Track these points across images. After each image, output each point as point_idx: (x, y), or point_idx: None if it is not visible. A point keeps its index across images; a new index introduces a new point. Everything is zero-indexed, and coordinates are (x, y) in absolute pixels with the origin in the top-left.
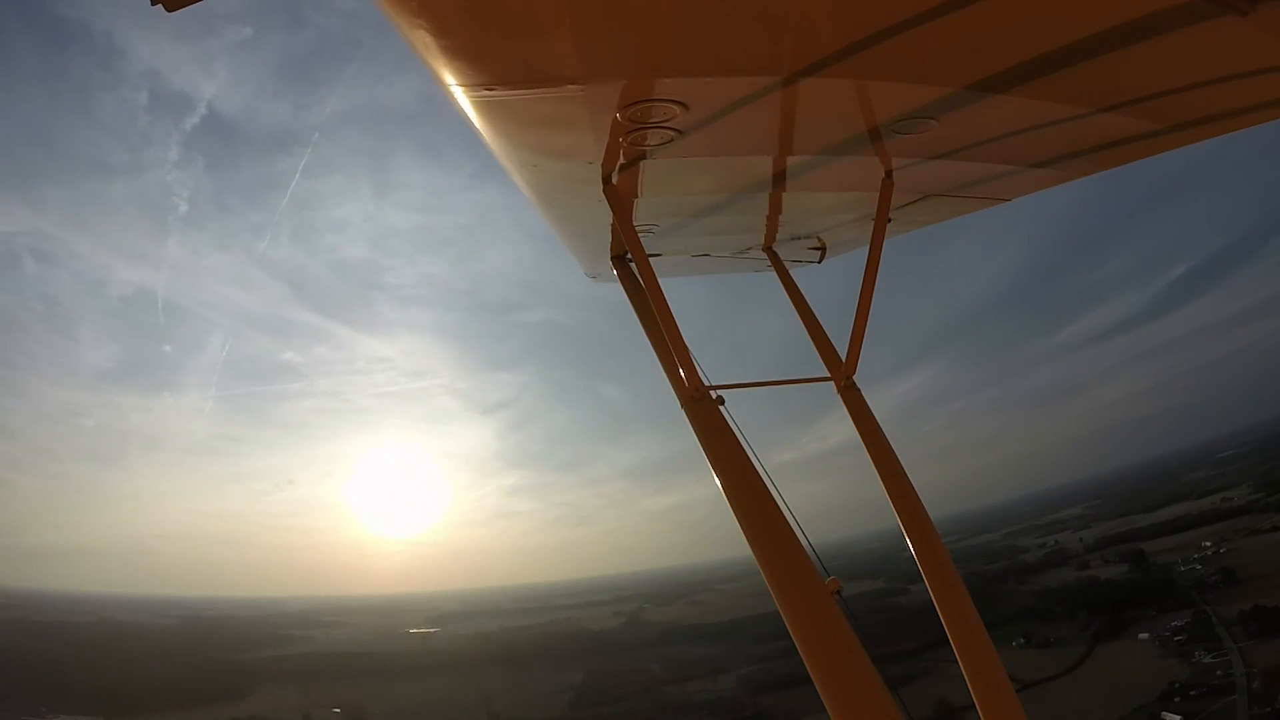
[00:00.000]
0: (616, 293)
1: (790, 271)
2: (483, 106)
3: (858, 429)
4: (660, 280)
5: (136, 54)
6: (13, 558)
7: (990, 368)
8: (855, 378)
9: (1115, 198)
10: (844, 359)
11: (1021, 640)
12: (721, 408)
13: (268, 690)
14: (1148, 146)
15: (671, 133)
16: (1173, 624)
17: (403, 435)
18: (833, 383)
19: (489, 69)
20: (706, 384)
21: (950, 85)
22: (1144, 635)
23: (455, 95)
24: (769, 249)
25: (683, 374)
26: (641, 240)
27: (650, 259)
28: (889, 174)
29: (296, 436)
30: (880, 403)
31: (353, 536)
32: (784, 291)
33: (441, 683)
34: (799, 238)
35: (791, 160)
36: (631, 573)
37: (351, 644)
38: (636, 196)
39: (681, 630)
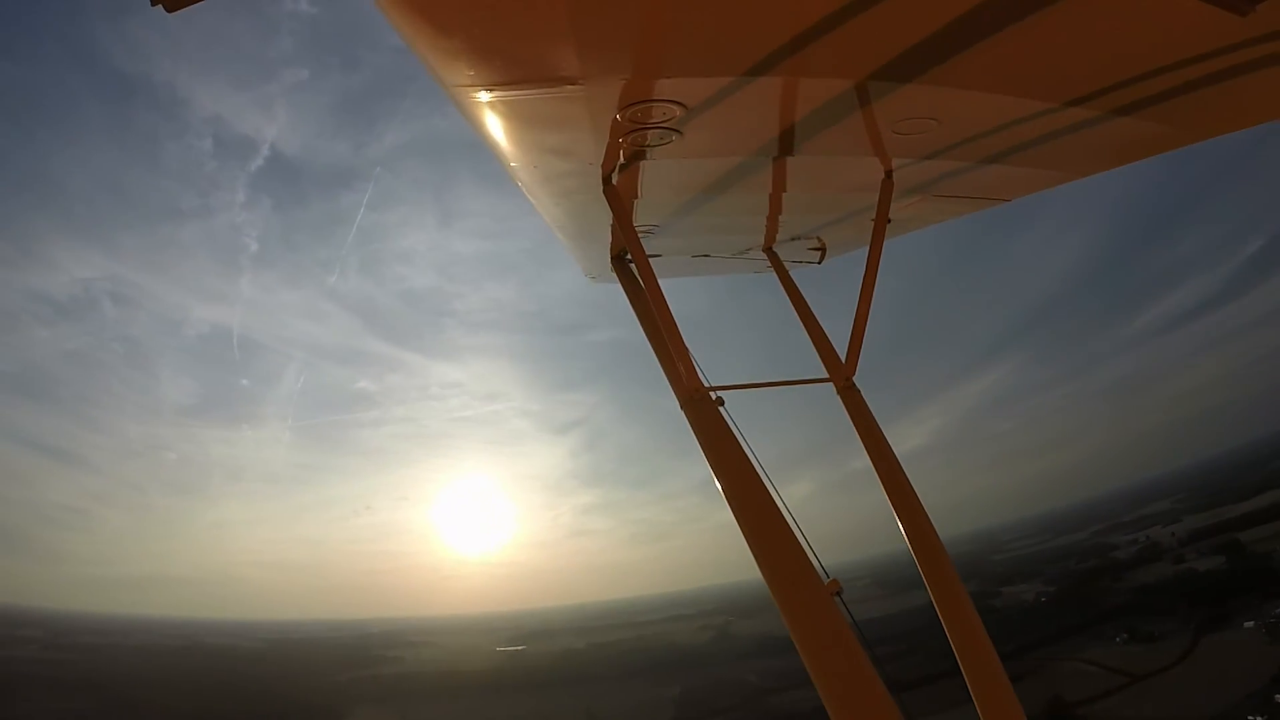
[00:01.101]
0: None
1: (790, 272)
2: (483, 106)
3: (857, 430)
4: (660, 280)
5: (198, 102)
6: (104, 586)
7: (1064, 361)
8: (855, 379)
9: (1181, 175)
10: (844, 360)
11: (1125, 636)
12: (721, 408)
13: (365, 711)
14: (1148, 146)
15: (671, 133)
16: (1277, 611)
17: (477, 458)
18: (832, 384)
19: (489, 69)
20: (706, 384)
21: (950, 85)
22: (1249, 624)
23: (455, 95)
24: (769, 249)
25: (683, 374)
26: (641, 240)
27: (650, 259)
28: (889, 174)
29: (373, 463)
30: (952, 406)
31: (431, 559)
32: (784, 292)
33: (538, 699)
34: (799, 238)
35: (791, 160)
36: (711, 586)
37: (440, 663)
38: (636, 197)
39: (774, 641)
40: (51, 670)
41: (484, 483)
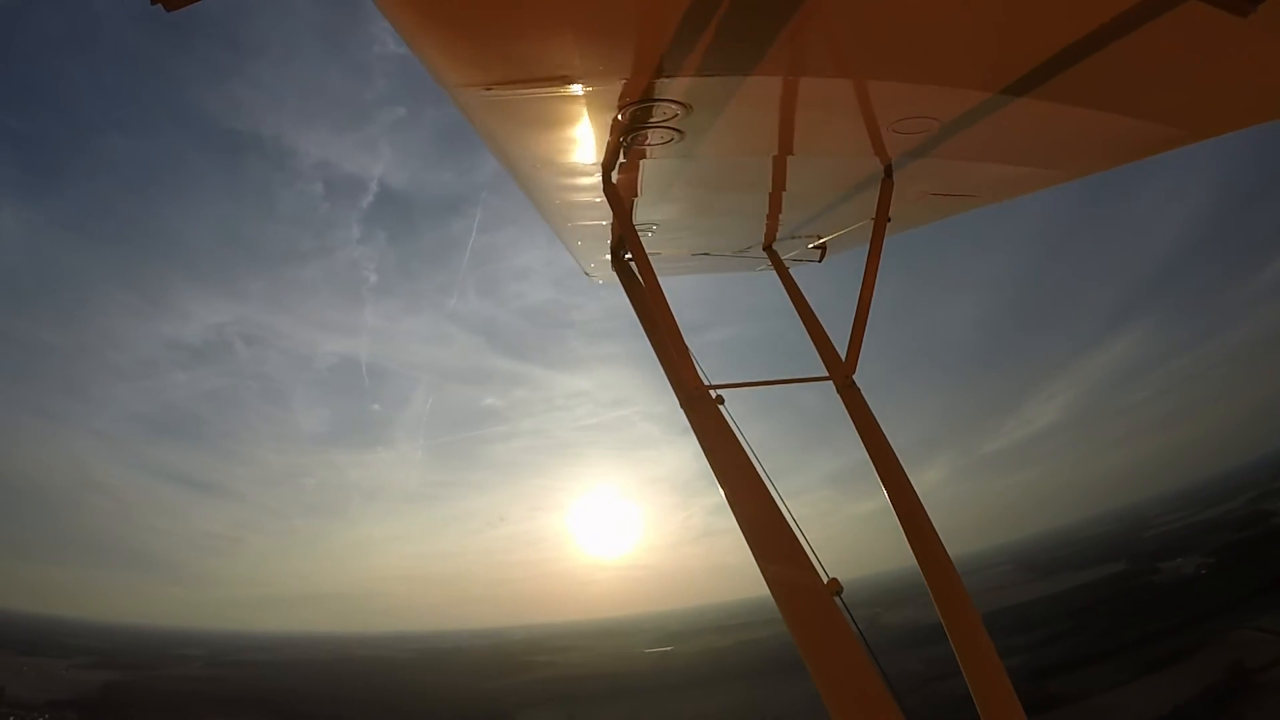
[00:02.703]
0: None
1: (790, 271)
2: (483, 106)
3: (857, 429)
4: (660, 280)
5: (305, 150)
6: (253, 605)
7: (1202, 318)
8: (855, 377)
9: None
10: (844, 358)
11: None
12: (721, 407)
13: (530, 714)
14: (1148, 146)
15: (672, 133)
16: None
17: (606, 464)
18: (832, 383)
19: (489, 69)
20: (706, 384)
21: (950, 85)
22: None
23: (455, 95)
24: (769, 249)
25: (683, 373)
26: (641, 240)
27: (650, 257)
28: (889, 174)
29: (505, 476)
30: (1079, 380)
31: (567, 565)
32: (784, 291)
33: (703, 698)
34: (799, 238)
35: (791, 160)
36: (848, 579)
37: (592, 666)
38: (637, 196)
39: (926, 629)
40: (216, 687)
41: (614, 488)
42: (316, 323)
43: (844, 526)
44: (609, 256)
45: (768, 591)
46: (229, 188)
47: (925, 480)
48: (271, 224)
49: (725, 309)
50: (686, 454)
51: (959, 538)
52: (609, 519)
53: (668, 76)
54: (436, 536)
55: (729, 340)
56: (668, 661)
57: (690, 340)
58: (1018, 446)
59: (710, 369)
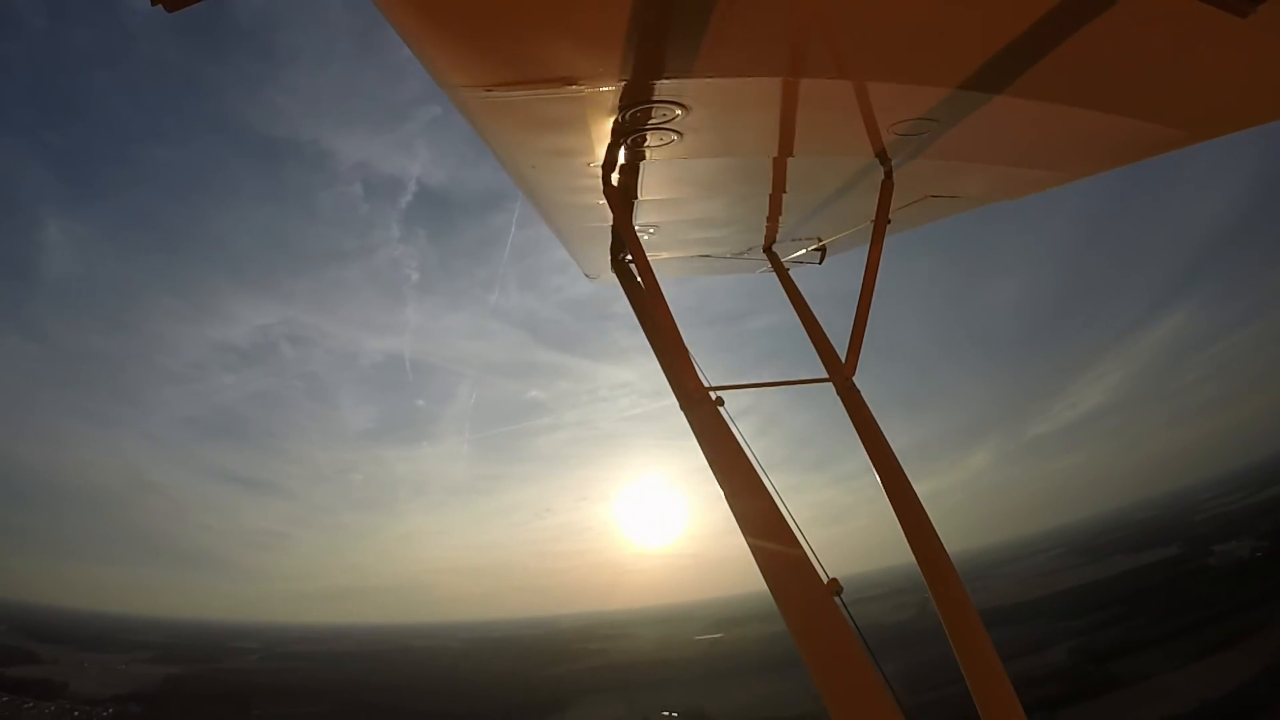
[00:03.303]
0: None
1: (790, 272)
2: (483, 106)
3: (857, 430)
4: (660, 281)
5: (343, 153)
6: (304, 599)
7: (1247, 298)
8: (855, 378)
9: None
10: (844, 360)
11: None
12: (721, 408)
13: (588, 701)
14: (1148, 146)
15: (672, 134)
16: None
17: (650, 454)
18: (832, 384)
19: (489, 69)
20: (706, 384)
21: (950, 85)
22: None
23: (455, 95)
24: (769, 249)
25: (683, 374)
26: (641, 241)
27: (650, 259)
28: (889, 174)
29: (550, 467)
30: (1130, 359)
31: (612, 554)
32: (784, 292)
33: (760, 684)
34: (799, 238)
35: (791, 161)
36: (894, 566)
37: (644, 654)
38: (636, 197)
39: (981, 614)
40: (275, 678)
41: (659, 477)
42: (360, 322)
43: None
44: (609, 258)
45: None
46: (270, 192)
47: (972, 465)
48: (313, 226)
49: (765, 297)
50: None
51: (1008, 522)
52: (654, 508)
53: (668, 78)
54: (483, 528)
55: (767, 329)
56: (719, 648)
57: (719, 332)
58: (1064, 429)
59: (748, 357)
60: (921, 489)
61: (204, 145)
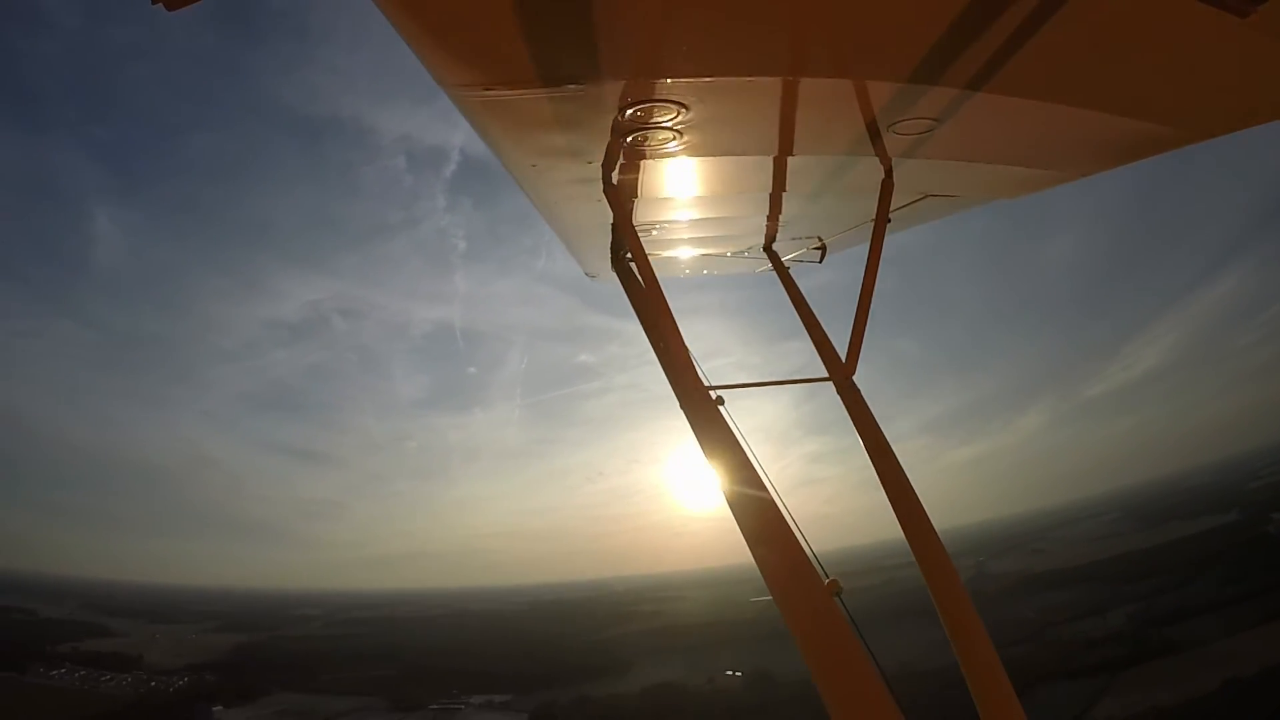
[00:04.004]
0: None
1: (790, 271)
2: (483, 106)
3: (857, 430)
4: (660, 280)
5: (385, 127)
6: (361, 566)
7: None
8: (855, 378)
9: None
10: (844, 359)
11: None
12: (721, 407)
13: (649, 661)
14: (1148, 146)
15: (672, 133)
16: None
17: None
18: (833, 383)
19: (489, 69)
20: (706, 384)
21: (950, 85)
22: None
23: (455, 95)
24: (769, 249)
25: (683, 373)
26: (641, 240)
27: (650, 258)
28: (889, 174)
29: (601, 431)
30: (1186, 320)
31: (663, 517)
32: (784, 291)
33: None
34: (799, 238)
35: (791, 160)
36: (947, 529)
37: (700, 615)
38: (637, 196)
39: (1037, 578)
40: (339, 644)
41: None
42: (410, 292)
43: (945, 474)
44: (609, 257)
45: (869, 541)
46: (312, 171)
47: (1024, 427)
48: (358, 201)
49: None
50: (782, 403)
51: (1061, 486)
52: (704, 471)
53: (668, 77)
54: (536, 493)
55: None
56: (774, 610)
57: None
58: (1118, 392)
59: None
60: (973, 452)
61: (245, 129)
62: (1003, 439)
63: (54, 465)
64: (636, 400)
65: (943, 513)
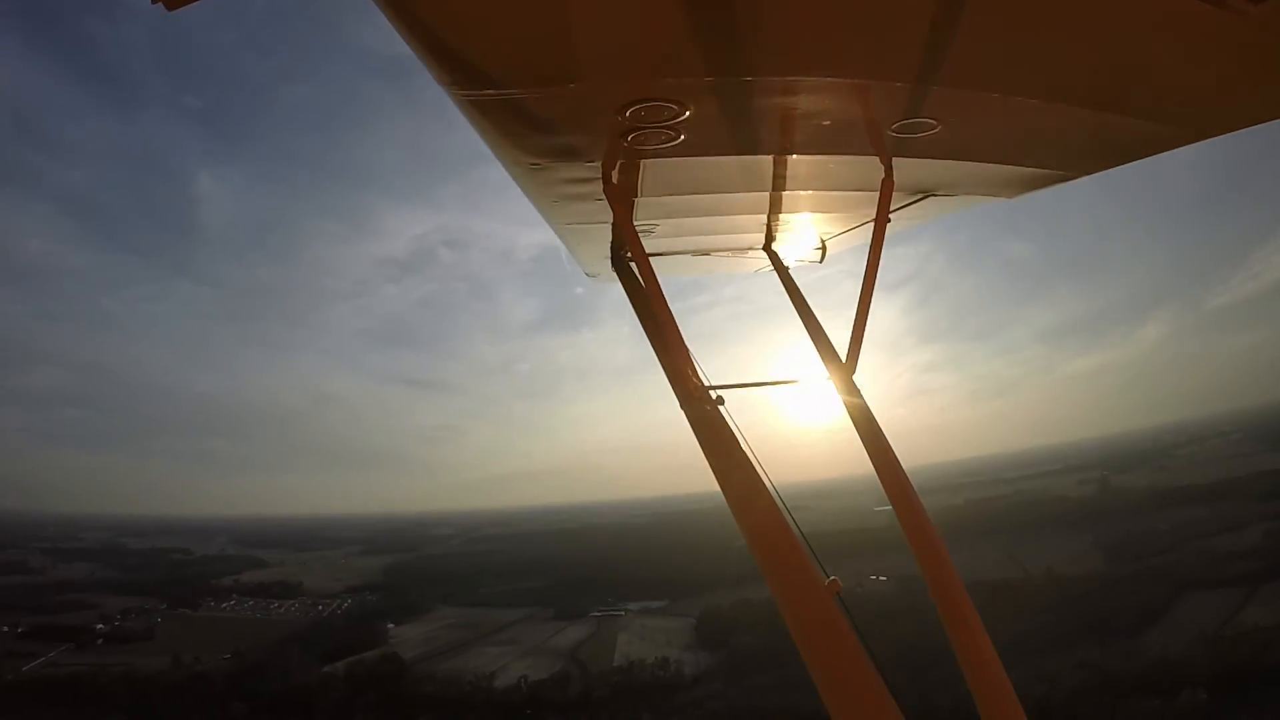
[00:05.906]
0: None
1: (790, 271)
2: (483, 106)
3: (857, 430)
4: (660, 280)
5: None
6: (486, 485)
7: None
8: (855, 378)
9: None
10: (844, 359)
11: None
12: (721, 407)
13: None
14: (1148, 146)
15: (672, 133)
16: None
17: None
18: (833, 382)
19: (489, 69)
20: (706, 384)
21: (950, 85)
22: None
23: (455, 95)
24: (769, 249)
25: (683, 373)
26: (642, 240)
27: (650, 258)
28: (889, 174)
29: (710, 344)
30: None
31: (771, 429)
32: (784, 291)
33: (956, 551)
34: (799, 237)
35: (791, 160)
36: (1073, 441)
37: (828, 525)
38: (636, 196)
39: (1166, 494)
40: (479, 560)
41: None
42: (512, 217)
43: (1062, 385)
44: (610, 256)
45: (985, 454)
46: (405, 108)
47: (1144, 337)
48: (453, 133)
49: None
50: (892, 311)
51: (1182, 401)
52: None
53: (668, 77)
54: (648, 409)
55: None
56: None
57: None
58: (1245, 302)
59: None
60: (1090, 363)
61: (331, 76)
62: (1121, 351)
63: (189, 416)
64: (745, 313)
65: (1060, 425)
